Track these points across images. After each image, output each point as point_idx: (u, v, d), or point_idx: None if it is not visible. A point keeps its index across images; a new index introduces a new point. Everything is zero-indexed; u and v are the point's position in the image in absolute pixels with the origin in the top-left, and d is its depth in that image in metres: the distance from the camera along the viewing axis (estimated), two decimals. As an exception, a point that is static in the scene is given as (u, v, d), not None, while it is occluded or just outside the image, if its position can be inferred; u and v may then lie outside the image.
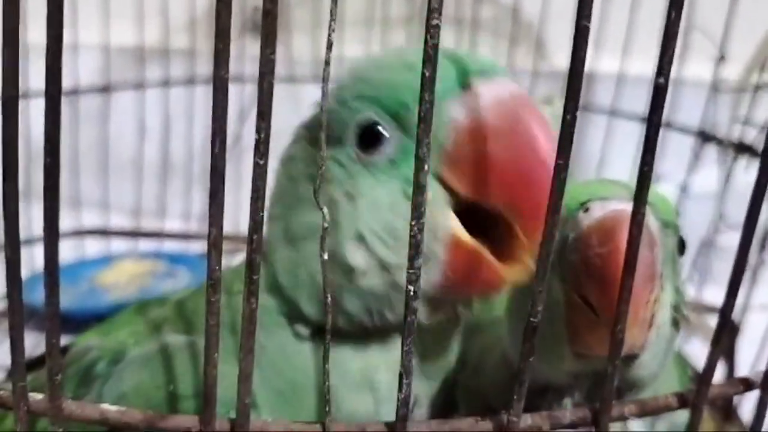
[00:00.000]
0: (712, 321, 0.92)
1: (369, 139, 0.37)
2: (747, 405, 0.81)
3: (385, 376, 0.40)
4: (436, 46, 0.27)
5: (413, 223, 0.28)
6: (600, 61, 0.98)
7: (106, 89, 0.95)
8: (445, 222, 0.36)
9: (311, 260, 0.38)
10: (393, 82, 0.37)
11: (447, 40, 1.10)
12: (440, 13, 0.26)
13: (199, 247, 0.98)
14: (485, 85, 0.35)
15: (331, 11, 0.38)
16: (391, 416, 0.30)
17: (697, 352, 0.87)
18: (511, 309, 0.45)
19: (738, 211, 0.92)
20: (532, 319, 0.29)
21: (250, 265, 0.27)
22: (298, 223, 0.39)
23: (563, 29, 1.01)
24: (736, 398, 0.80)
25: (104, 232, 0.96)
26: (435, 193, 0.36)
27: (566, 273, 0.39)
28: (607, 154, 0.97)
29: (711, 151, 0.89)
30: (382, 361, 0.40)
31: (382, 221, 0.36)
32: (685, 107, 0.92)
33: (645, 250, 0.37)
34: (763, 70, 0.80)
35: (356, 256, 0.37)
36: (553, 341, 0.40)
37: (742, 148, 0.83)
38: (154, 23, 1.04)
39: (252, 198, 0.26)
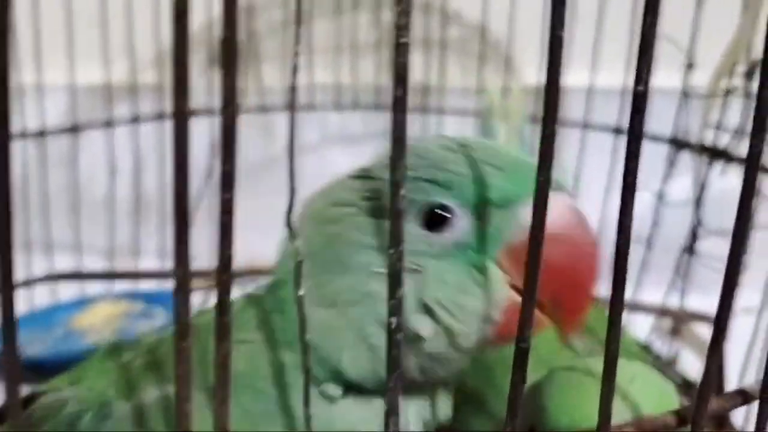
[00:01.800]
0: (697, 328, 0.92)
1: (435, 220, 0.40)
2: (738, 411, 0.80)
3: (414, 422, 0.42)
4: (404, 65, 0.26)
5: (392, 251, 0.27)
6: (568, 75, 0.98)
7: (74, 129, 0.93)
8: (503, 290, 0.40)
9: (361, 324, 0.40)
10: (469, 176, 0.40)
11: (416, 61, 1.10)
12: (408, 30, 0.25)
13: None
14: (552, 197, 0.38)
15: (295, 35, 0.38)
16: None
17: (686, 358, 0.87)
18: None
19: (715, 217, 0.92)
20: (521, 344, 0.28)
21: (221, 306, 0.26)
22: (343, 288, 0.41)
23: (531, 46, 1.02)
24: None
25: (78, 276, 0.94)
26: (495, 274, 0.40)
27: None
28: (582, 168, 0.96)
29: (685, 157, 0.89)
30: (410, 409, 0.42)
31: (449, 296, 0.40)
32: (657, 116, 0.91)
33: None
34: (732, 75, 0.81)
35: (423, 325, 0.40)
36: None
37: (716, 153, 0.83)
38: (121, 60, 1.02)
39: (221, 235, 0.25)
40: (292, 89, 0.37)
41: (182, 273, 0.25)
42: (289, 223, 0.40)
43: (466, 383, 0.55)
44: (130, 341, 0.47)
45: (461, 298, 0.39)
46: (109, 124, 0.96)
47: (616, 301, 0.30)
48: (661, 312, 0.87)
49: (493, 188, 0.40)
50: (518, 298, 0.37)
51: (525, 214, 0.39)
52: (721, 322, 0.32)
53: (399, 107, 0.25)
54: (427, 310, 0.39)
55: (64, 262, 0.99)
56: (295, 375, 0.40)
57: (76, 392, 0.43)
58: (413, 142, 0.43)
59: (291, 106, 0.39)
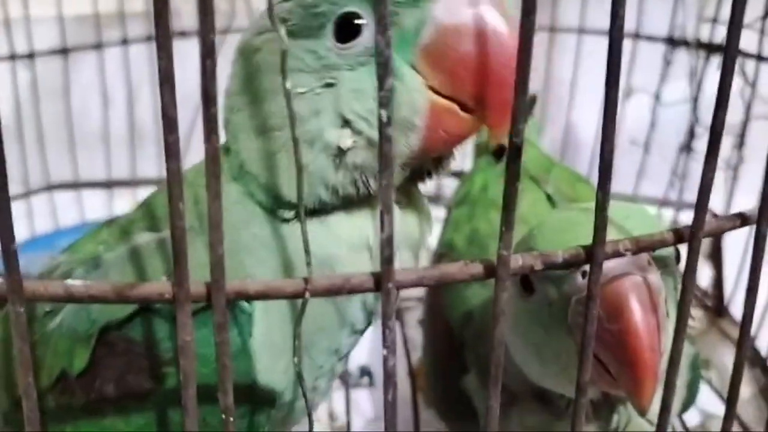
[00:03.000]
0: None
1: (347, 31, 0.38)
2: (737, 308, 0.81)
3: (377, 238, 0.40)
4: None
5: (379, 37, 0.26)
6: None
7: (64, 51, 0.92)
8: (422, 94, 0.38)
9: (289, 145, 0.38)
10: None
11: None
12: None
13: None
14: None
15: None
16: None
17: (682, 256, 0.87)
18: (511, 326, 0.44)
19: (711, 113, 0.91)
20: (514, 139, 0.28)
21: (206, 98, 0.25)
22: (270, 113, 0.40)
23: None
24: (726, 297, 0.80)
25: (75, 185, 0.93)
26: (412, 78, 0.38)
27: (576, 334, 0.40)
28: (578, 76, 0.95)
29: (682, 57, 0.88)
30: (371, 224, 0.41)
31: (366, 104, 0.38)
32: (652, 16, 0.91)
33: (650, 318, 0.37)
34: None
35: (342, 137, 0.39)
36: (563, 378, 0.42)
37: (712, 49, 0.82)
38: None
39: (200, 15, 0.24)
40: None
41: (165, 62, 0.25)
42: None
43: (461, 257, 0.55)
44: (122, 215, 0.47)
45: (375, 107, 0.36)
46: (98, 46, 0.95)
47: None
48: (661, 203, 0.86)
49: None
50: (440, 101, 0.38)
51: (437, 10, 0.37)
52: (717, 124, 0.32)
53: None
54: (345, 122, 0.38)
55: (63, 195, 0.98)
56: (250, 204, 0.40)
57: (69, 257, 0.43)
58: None
59: None
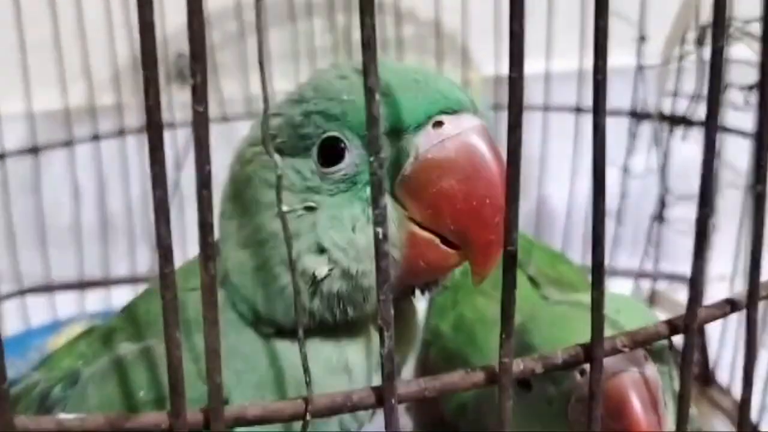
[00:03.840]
0: (674, 293, 0.92)
1: (331, 155, 0.38)
2: (723, 372, 0.81)
3: (357, 358, 0.40)
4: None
5: (372, 159, 0.26)
6: (525, 62, 0.99)
7: (34, 150, 0.92)
8: (402, 225, 0.38)
9: (272, 265, 0.39)
10: (360, 105, 0.36)
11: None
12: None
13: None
14: (450, 121, 0.37)
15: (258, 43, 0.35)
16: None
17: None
18: None
19: (681, 183, 0.93)
20: (509, 248, 0.28)
21: (203, 227, 0.25)
22: (255, 228, 0.39)
23: (485, 38, 1.03)
24: (711, 363, 0.80)
25: (48, 288, 0.91)
26: (394, 209, 0.38)
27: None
28: (546, 151, 0.97)
29: (645, 129, 0.90)
30: (351, 346, 0.40)
31: (343, 233, 0.38)
32: (614, 92, 0.93)
33: (651, 415, 0.37)
34: (684, 43, 0.82)
35: (318, 266, 0.38)
36: None
37: (675, 120, 0.85)
38: (78, 84, 1.01)
39: (196, 148, 0.25)
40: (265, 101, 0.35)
41: (160, 194, 0.25)
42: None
43: (447, 344, 0.54)
44: (102, 321, 0.46)
45: (354, 236, 0.37)
46: (69, 143, 0.95)
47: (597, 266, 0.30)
48: (638, 275, 0.87)
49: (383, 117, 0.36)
50: (421, 233, 0.37)
51: (419, 142, 0.37)
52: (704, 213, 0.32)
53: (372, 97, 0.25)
54: (322, 250, 0.37)
55: (35, 297, 0.96)
56: (231, 313, 0.39)
57: (47, 374, 0.42)
58: (314, 74, 0.41)
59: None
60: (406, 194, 0.37)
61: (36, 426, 0.27)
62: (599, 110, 0.30)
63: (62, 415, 0.28)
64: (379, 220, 0.26)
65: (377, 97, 0.26)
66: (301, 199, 0.38)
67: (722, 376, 0.80)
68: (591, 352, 0.31)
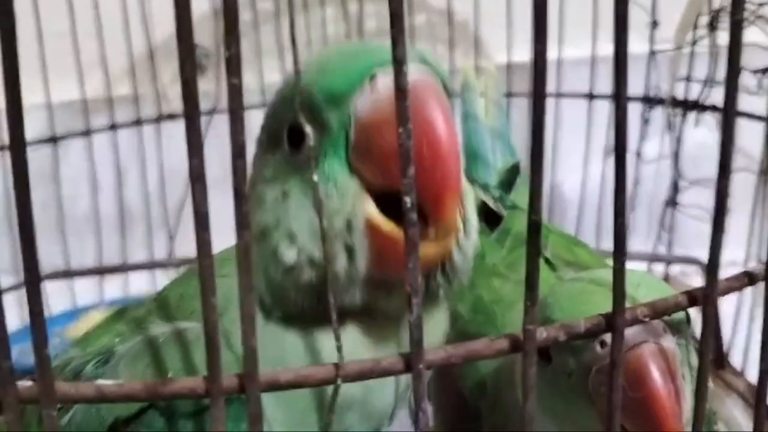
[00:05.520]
0: (687, 277, 0.93)
1: (296, 139, 0.38)
2: (737, 356, 0.81)
3: (355, 347, 0.39)
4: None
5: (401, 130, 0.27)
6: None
7: (53, 140, 0.93)
8: (362, 208, 0.36)
9: (262, 258, 0.39)
10: (308, 85, 0.37)
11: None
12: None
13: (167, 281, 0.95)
14: (385, 77, 0.35)
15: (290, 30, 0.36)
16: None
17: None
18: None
19: (694, 168, 0.94)
20: (533, 217, 0.29)
21: (238, 196, 0.26)
22: (255, 222, 0.40)
23: (498, 25, 1.04)
24: (725, 347, 0.80)
25: (67, 274, 0.93)
26: (348, 183, 0.37)
27: (599, 403, 0.40)
28: (558, 135, 0.98)
29: (658, 115, 0.91)
30: (353, 337, 0.39)
31: (308, 219, 0.37)
32: (629, 79, 0.94)
33: (670, 385, 0.38)
34: (696, 27, 0.83)
35: (289, 254, 0.37)
36: None
37: (688, 105, 0.85)
38: (95, 75, 1.02)
39: (231, 120, 0.25)
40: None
41: (197, 162, 0.25)
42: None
43: (467, 325, 0.55)
44: (135, 303, 0.47)
45: (316, 221, 0.36)
46: (87, 133, 0.96)
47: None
48: (652, 259, 0.88)
49: (318, 88, 0.36)
50: (378, 218, 0.35)
51: (359, 105, 0.35)
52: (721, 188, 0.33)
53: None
54: (292, 238, 0.37)
55: (54, 284, 0.97)
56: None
57: (82, 351, 0.43)
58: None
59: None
60: (357, 162, 0.36)
61: (76, 391, 0.28)
62: (621, 83, 0.30)
63: (101, 381, 0.29)
64: (407, 191, 0.27)
65: (404, 68, 0.27)
66: (279, 188, 0.38)
67: (736, 359, 0.80)
68: (612, 322, 0.32)
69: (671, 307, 0.34)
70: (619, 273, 0.32)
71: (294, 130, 0.37)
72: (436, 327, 0.42)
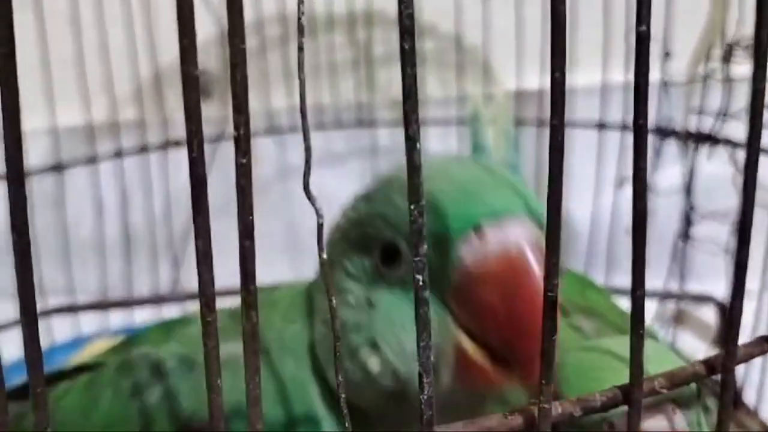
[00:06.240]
0: (699, 312, 0.92)
1: (389, 255, 0.40)
2: (750, 394, 0.80)
3: None
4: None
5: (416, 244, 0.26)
6: (548, 77, 0.99)
7: (58, 168, 0.93)
8: (453, 334, 0.38)
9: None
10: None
11: (395, 76, 1.11)
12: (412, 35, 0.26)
13: (172, 312, 0.95)
14: (493, 230, 0.37)
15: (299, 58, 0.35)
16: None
17: (688, 344, 0.87)
18: None
19: (707, 201, 0.93)
20: (549, 294, 0.28)
21: (245, 276, 0.25)
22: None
23: (507, 52, 1.03)
24: (738, 385, 0.79)
25: (72, 309, 0.92)
26: (442, 312, 0.38)
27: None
28: (568, 165, 0.97)
29: (671, 146, 0.90)
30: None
31: (395, 333, 0.39)
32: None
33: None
34: (709, 60, 0.82)
35: (372, 361, 0.40)
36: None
37: (701, 138, 0.84)
38: (100, 99, 1.02)
39: (239, 198, 0.25)
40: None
41: (203, 243, 0.25)
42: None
43: None
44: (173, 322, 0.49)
45: (404, 337, 0.39)
46: (92, 160, 0.95)
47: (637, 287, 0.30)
48: (664, 296, 0.87)
49: (430, 224, 0.37)
50: (467, 344, 0.38)
51: (465, 251, 0.37)
52: (741, 256, 0.32)
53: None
54: (375, 346, 0.39)
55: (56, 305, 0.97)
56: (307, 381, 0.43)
57: (155, 349, 0.45)
58: (385, 175, 0.42)
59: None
60: (454, 302, 0.38)
61: None
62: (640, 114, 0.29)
63: None
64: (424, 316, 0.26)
65: (417, 145, 0.26)
66: (365, 292, 0.40)
67: (749, 397, 0.79)
68: (629, 394, 0.31)
69: (689, 376, 0.33)
70: (636, 344, 0.31)
71: (390, 248, 0.39)
72: None
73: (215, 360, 0.26)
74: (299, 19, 0.28)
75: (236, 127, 0.24)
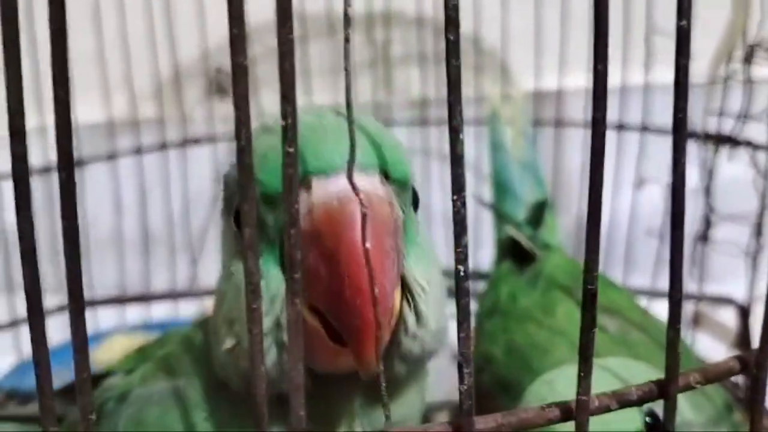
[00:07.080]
0: (717, 314, 0.91)
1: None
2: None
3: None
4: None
5: (455, 197, 0.26)
6: (566, 77, 1.00)
7: (78, 164, 0.93)
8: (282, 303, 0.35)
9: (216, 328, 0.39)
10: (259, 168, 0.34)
11: (413, 74, 1.11)
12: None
13: (189, 309, 0.95)
14: (319, 184, 0.33)
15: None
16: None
17: (707, 346, 0.87)
18: None
19: (726, 203, 0.92)
20: (589, 286, 0.28)
21: (291, 263, 0.26)
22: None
23: (525, 52, 1.03)
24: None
25: (90, 303, 0.93)
26: (280, 285, 0.34)
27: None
28: (587, 166, 0.97)
29: (691, 147, 0.90)
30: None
31: (238, 306, 0.35)
32: (658, 110, 0.93)
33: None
34: (730, 61, 0.82)
35: (228, 342, 0.36)
36: None
37: (721, 140, 0.84)
38: (120, 96, 1.03)
39: (285, 188, 0.25)
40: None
41: (250, 231, 0.25)
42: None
43: (500, 369, 0.54)
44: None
45: (239, 306, 0.35)
46: (112, 157, 0.96)
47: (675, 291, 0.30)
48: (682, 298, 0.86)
49: (263, 182, 0.34)
50: (306, 315, 0.32)
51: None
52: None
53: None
54: (230, 324, 0.36)
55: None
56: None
57: (119, 380, 0.44)
58: None
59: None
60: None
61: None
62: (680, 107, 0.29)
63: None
64: (461, 260, 0.27)
65: (461, 136, 0.26)
66: (227, 262, 0.37)
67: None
68: (665, 389, 0.31)
69: (723, 372, 0.33)
70: (673, 339, 0.31)
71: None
72: (407, 405, 0.40)
73: (259, 345, 0.26)
74: (345, 11, 0.29)
75: (284, 117, 0.24)
